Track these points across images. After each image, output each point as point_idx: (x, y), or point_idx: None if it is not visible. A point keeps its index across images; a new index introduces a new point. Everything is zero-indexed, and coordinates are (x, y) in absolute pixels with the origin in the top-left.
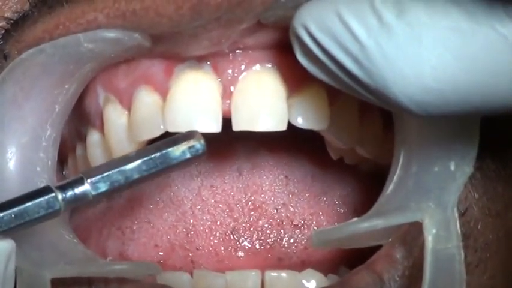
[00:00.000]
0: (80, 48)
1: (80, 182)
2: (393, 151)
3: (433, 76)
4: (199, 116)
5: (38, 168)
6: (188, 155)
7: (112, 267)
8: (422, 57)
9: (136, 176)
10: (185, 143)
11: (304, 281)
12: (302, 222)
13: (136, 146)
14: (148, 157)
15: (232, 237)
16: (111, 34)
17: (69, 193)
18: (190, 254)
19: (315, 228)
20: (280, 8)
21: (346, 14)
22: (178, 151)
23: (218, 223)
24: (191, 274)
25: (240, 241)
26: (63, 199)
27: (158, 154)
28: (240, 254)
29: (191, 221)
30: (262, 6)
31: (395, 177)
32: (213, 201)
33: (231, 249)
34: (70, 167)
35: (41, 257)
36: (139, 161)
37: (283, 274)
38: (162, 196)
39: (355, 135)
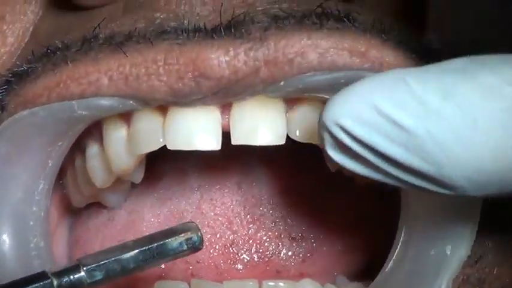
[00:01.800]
0: (73, 114)
1: (76, 269)
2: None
3: (492, 158)
4: (199, 133)
5: (31, 223)
6: (185, 247)
7: None
8: (479, 141)
9: (132, 265)
10: (182, 235)
11: None
12: (300, 235)
13: (135, 159)
14: (146, 247)
15: (231, 250)
16: (105, 102)
17: (65, 279)
18: (191, 267)
19: (312, 241)
20: (280, 90)
21: (385, 106)
22: (175, 242)
23: (218, 236)
24: (189, 284)
25: (239, 254)
26: (59, 286)
27: (155, 245)
28: (239, 266)
29: None
30: (262, 85)
31: (394, 255)
32: (212, 214)
33: (230, 262)
34: (69, 177)
35: None
36: (136, 251)
37: (281, 284)
38: (163, 209)
39: None
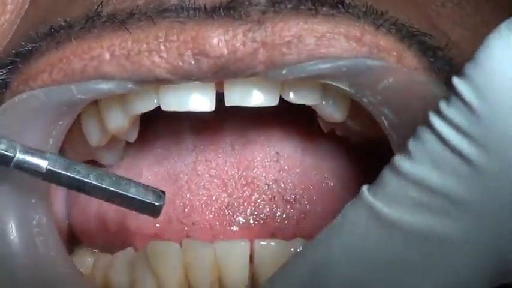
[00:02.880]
0: (72, 98)
1: (43, 154)
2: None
3: None
4: (193, 94)
5: (33, 200)
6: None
7: None
8: None
9: (89, 188)
10: (148, 196)
11: (292, 250)
12: (293, 197)
13: (129, 119)
14: (109, 187)
15: (227, 213)
16: (104, 86)
17: (28, 155)
18: (186, 228)
19: (306, 202)
20: (281, 76)
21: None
22: (137, 200)
23: (213, 198)
24: (181, 244)
25: (235, 216)
26: (19, 157)
27: (119, 192)
28: (235, 228)
29: (188, 195)
30: (262, 67)
31: None
32: (207, 175)
33: (225, 224)
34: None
35: None
36: (98, 184)
37: (272, 243)
38: (160, 168)
39: (346, 109)
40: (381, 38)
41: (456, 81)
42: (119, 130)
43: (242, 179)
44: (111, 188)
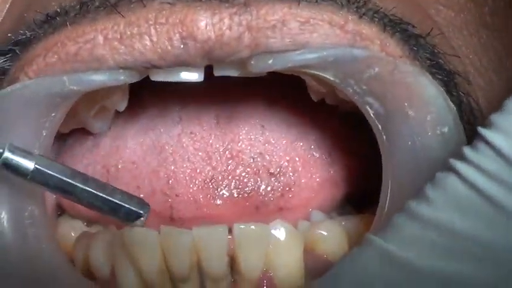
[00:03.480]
0: (64, 89)
1: (30, 155)
2: None
3: None
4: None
5: (26, 192)
6: (127, 216)
7: None
8: None
9: (71, 190)
10: (133, 206)
11: (272, 231)
12: (278, 169)
13: (120, 92)
14: (96, 191)
15: (211, 186)
16: (96, 77)
17: (16, 155)
18: (170, 200)
19: (291, 174)
20: (268, 67)
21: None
22: (123, 206)
23: (198, 171)
24: (159, 231)
25: (219, 190)
26: (7, 156)
27: (104, 196)
28: (218, 202)
29: (172, 167)
30: (247, 51)
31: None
32: (192, 148)
33: (209, 198)
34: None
35: None
36: (85, 187)
37: (252, 226)
38: (146, 138)
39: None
40: (364, 27)
41: (484, 131)
42: (108, 99)
43: (227, 152)
44: (96, 192)
